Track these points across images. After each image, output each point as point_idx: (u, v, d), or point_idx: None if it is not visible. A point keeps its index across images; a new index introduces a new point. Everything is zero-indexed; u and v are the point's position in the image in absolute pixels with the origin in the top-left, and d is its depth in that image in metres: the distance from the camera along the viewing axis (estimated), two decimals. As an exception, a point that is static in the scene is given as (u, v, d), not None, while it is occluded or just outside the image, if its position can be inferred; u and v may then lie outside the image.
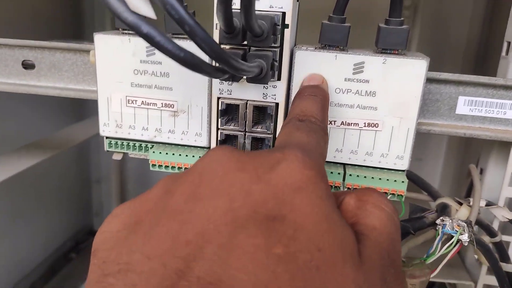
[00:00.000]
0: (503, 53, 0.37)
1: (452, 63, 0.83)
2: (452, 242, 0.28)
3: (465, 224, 0.29)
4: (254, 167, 0.18)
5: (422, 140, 0.86)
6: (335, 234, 0.16)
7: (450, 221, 0.29)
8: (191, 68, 0.21)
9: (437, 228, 0.30)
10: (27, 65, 0.39)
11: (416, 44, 0.83)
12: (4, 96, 0.62)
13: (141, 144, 0.34)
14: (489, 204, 0.34)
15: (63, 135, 0.75)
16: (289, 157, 0.18)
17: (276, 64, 0.29)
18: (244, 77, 0.29)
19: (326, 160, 0.32)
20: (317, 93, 0.27)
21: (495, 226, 0.35)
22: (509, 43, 0.37)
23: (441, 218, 0.30)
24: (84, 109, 1.01)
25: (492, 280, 0.36)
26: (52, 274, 1.02)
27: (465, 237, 0.29)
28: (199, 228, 0.15)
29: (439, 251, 0.29)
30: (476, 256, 0.36)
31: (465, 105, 0.32)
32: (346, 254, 0.16)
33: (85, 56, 0.37)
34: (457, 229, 0.29)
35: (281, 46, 0.29)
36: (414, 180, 0.36)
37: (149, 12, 0.19)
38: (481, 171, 0.39)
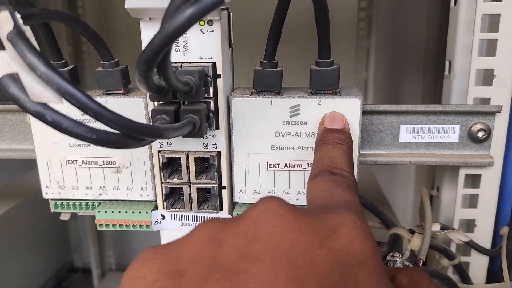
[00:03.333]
0: (446, 72, 0.38)
1: (414, 67, 0.84)
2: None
3: (410, 264, 0.29)
4: (315, 230, 0.17)
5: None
6: None
7: (400, 257, 0.29)
8: (110, 146, 0.20)
9: (388, 264, 0.29)
10: (-34, 129, 0.37)
11: (374, 53, 0.84)
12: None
13: (87, 203, 0.33)
14: (444, 227, 0.34)
15: (29, 178, 0.73)
16: (349, 222, 0.17)
17: (212, 115, 0.29)
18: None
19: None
20: (344, 140, 0.26)
21: (454, 247, 0.35)
22: (450, 62, 0.37)
23: (392, 253, 0.30)
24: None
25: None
26: (35, 317, 0.99)
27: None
28: None
29: None
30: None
31: (407, 133, 0.32)
32: None
33: (25, 115, 0.36)
34: (404, 269, 0.28)
35: (215, 96, 0.29)
36: (369, 208, 0.36)
37: (53, 98, 0.19)
38: (438, 189, 0.39)
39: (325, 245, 0.16)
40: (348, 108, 0.29)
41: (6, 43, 0.19)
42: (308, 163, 0.30)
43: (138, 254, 0.17)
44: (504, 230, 0.34)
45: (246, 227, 0.16)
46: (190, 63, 0.28)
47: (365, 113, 0.32)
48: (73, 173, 0.32)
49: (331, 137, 0.26)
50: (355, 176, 0.30)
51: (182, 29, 0.18)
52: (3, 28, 0.20)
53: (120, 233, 1.11)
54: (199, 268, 0.15)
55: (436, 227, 0.34)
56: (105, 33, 0.91)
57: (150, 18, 0.27)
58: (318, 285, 0.15)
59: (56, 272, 1.11)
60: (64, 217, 0.35)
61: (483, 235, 0.35)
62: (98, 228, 0.33)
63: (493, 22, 0.32)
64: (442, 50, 0.78)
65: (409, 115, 0.32)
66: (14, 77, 0.18)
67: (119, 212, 0.32)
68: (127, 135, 0.20)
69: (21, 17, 0.20)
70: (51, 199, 0.34)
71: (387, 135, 0.33)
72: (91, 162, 0.32)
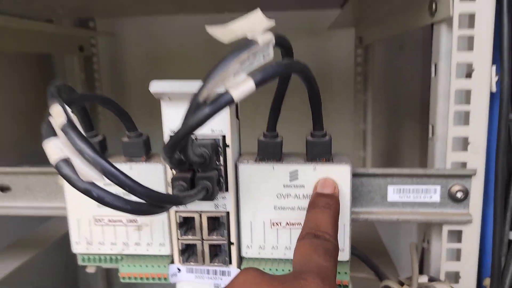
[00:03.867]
0: (430, 135, 0.42)
1: (410, 118, 0.89)
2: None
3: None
4: None
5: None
6: None
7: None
8: (141, 214, 0.25)
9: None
10: (3, 188, 0.42)
11: (371, 106, 0.89)
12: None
13: (111, 257, 0.37)
14: (431, 279, 0.37)
15: (44, 230, 0.77)
16: (312, 286, 0.23)
17: (222, 180, 0.33)
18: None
19: (277, 258, 0.35)
20: (331, 204, 0.30)
21: (442, 296, 0.39)
22: (432, 126, 0.41)
23: (382, 303, 0.33)
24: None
25: None
26: None
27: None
28: None
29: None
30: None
31: (394, 193, 0.37)
32: None
33: (55, 177, 0.41)
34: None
35: (225, 163, 0.33)
36: (364, 260, 0.40)
37: (98, 177, 0.23)
38: (428, 242, 0.43)
39: None
40: (339, 173, 0.33)
41: (59, 132, 0.24)
42: (306, 221, 0.34)
43: None
44: (487, 282, 0.38)
45: None
46: (204, 135, 0.33)
47: (356, 175, 0.36)
48: (100, 230, 0.37)
49: (320, 201, 0.31)
50: (348, 231, 0.34)
51: (201, 123, 0.23)
52: (56, 120, 0.25)
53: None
54: None
55: (423, 279, 0.37)
56: (117, 87, 0.99)
57: (169, 98, 0.33)
58: None
59: (65, 320, 1.13)
60: (90, 270, 0.39)
61: (467, 286, 0.38)
62: (122, 281, 0.36)
63: (466, 95, 0.37)
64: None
65: (395, 177, 0.36)
66: (67, 161, 0.23)
67: (140, 266, 0.36)
68: (152, 208, 0.25)
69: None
70: (79, 254, 0.38)
71: (376, 195, 0.37)
72: (116, 220, 0.36)
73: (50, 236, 0.74)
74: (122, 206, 0.23)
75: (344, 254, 0.34)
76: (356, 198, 0.37)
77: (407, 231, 0.88)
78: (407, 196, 0.36)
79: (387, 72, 0.91)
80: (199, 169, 0.32)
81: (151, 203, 0.24)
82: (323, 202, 0.30)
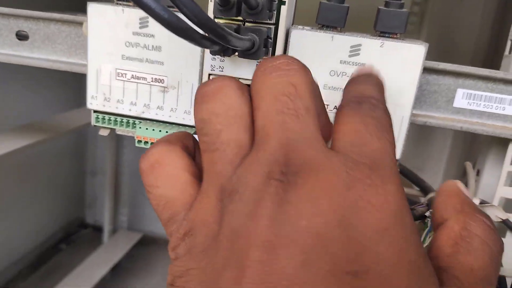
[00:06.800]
0: (506, 52, 0.37)
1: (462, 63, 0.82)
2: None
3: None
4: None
5: (423, 149, 0.85)
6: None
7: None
8: (176, 32, 0.20)
9: (425, 221, 0.29)
10: (21, 36, 0.38)
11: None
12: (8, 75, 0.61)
13: (128, 120, 0.33)
14: (483, 202, 0.33)
15: (60, 119, 0.74)
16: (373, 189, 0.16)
17: (270, 41, 0.28)
18: (236, 53, 0.29)
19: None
20: (373, 77, 0.23)
21: (489, 227, 0.34)
22: (511, 41, 0.36)
23: (431, 210, 0.29)
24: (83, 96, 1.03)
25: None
26: (41, 263, 1.01)
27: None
28: None
29: (427, 242, 0.28)
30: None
31: (463, 98, 0.31)
32: None
33: (79, 28, 0.36)
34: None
35: (276, 23, 0.28)
36: (406, 174, 0.35)
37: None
38: (478, 173, 0.38)
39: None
40: (410, 56, 0.28)
41: None
42: (358, 108, 0.29)
43: None
44: (547, 217, 0.33)
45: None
46: (258, -15, 0.28)
47: (423, 70, 0.31)
48: (121, 86, 0.32)
49: (360, 76, 0.24)
50: (405, 128, 0.29)
51: None
52: None
53: (135, 194, 1.12)
54: None
55: (475, 201, 0.32)
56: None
57: None
58: (331, 267, 0.14)
59: (66, 224, 1.13)
60: (103, 132, 0.35)
61: (524, 219, 0.34)
62: (137, 145, 0.33)
63: None
64: (491, 54, 0.76)
65: (468, 79, 0.31)
66: None
67: (160, 131, 0.32)
68: (192, 29, 0.20)
69: None
70: (94, 111, 0.34)
71: (441, 98, 0.32)
72: (140, 77, 0.32)
73: (67, 124, 0.71)
74: (158, 12, 0.18)
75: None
76: (418, 98, 0.32)
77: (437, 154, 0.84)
78: (476, 104, 0.31)
79: (445, 18, 0.84)
80: (246, 21, 0.28)
81: (193, 21, 0.20)
82: (363, 75, 0.24)
